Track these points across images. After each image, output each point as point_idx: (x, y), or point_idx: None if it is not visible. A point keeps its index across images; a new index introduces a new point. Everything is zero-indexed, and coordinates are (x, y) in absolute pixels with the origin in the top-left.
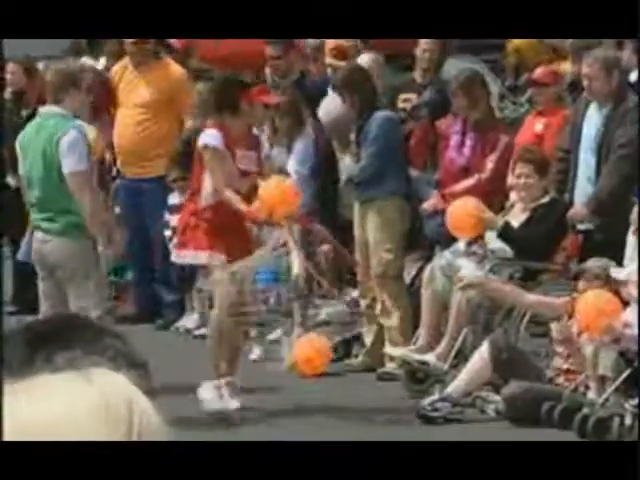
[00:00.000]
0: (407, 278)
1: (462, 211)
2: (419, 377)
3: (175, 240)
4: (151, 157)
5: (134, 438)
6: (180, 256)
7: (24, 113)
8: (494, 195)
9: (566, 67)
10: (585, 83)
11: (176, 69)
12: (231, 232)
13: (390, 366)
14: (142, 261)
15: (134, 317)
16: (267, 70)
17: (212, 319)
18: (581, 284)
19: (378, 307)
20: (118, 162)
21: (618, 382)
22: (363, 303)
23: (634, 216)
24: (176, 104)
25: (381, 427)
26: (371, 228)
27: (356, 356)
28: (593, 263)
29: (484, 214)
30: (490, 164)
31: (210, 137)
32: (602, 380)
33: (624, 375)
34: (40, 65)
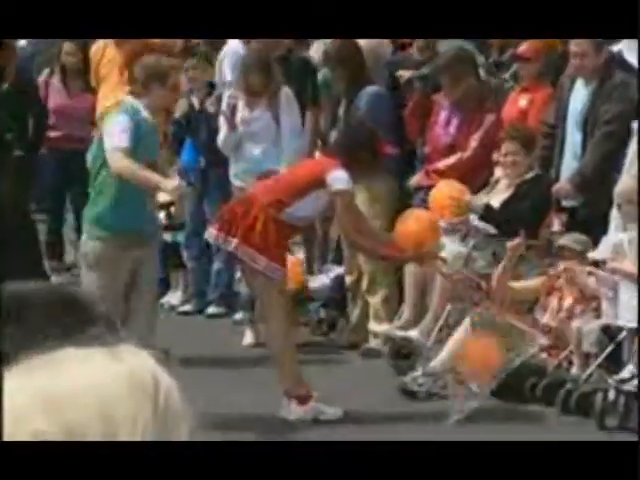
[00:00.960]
0: None
1: (444, 194)
2: (403, 353)
3: (226, 223)
4: None
5: (160, 410)
6: (244, 252)
7: (3, 87)
8: (479, 172)
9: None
10: (574, 60)
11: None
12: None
13: (374, 342)
14: None
15: None
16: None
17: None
18: (560, 263)
19: (364, 283)
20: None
21: (601, 358)
22: (349, 279)
23: (616, 192)
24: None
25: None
26: (359, 205)
27: (341, 332)
28: (568, 240)
29: (466, 198)
30: (473, 143)
31: (343, 181)
32: (586, 356)
33: (607, 351)
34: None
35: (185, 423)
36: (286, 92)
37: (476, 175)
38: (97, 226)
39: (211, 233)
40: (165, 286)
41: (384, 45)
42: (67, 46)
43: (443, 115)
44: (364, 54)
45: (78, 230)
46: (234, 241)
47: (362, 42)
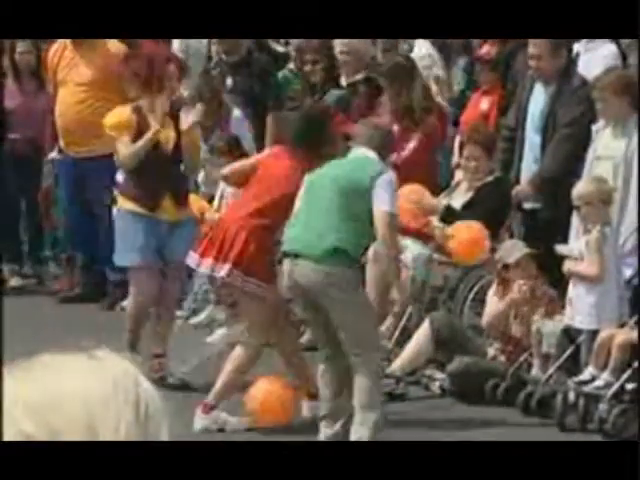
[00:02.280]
0: None
1: (403, 198)
2: None
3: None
4: (96, 135)
5: (141, 415)
6: (236, 277)
7: None
8: (418, 172)
9: None
10: (531, 62)
11: (117, 46)
12: None
13: None
14: (87, 241)
15: (79, 297)
16: (213, 47)
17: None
18: (511, 273)
19: None
20: (61, 142)
21: (562, 360)
22: None
23: (574, 194)
24: (119, 82)
25: None
26: None
27: (302, 334)
28: (509, 250)
29: (425, 199)
30: (412, 143)
31: None
32: (546, 358)
33: (567, 353)
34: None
35: (165, 427)
36: (235, 116)
37: (415, 176)
38: (347, 253)
39: (194, 259)
40: (125, 289)
41: (369, 43)
42: (21, 45)
43: (386, 116)
44: (349, 52)
45: (34, 239)
46: (226, 267)
47: (346, 40)
